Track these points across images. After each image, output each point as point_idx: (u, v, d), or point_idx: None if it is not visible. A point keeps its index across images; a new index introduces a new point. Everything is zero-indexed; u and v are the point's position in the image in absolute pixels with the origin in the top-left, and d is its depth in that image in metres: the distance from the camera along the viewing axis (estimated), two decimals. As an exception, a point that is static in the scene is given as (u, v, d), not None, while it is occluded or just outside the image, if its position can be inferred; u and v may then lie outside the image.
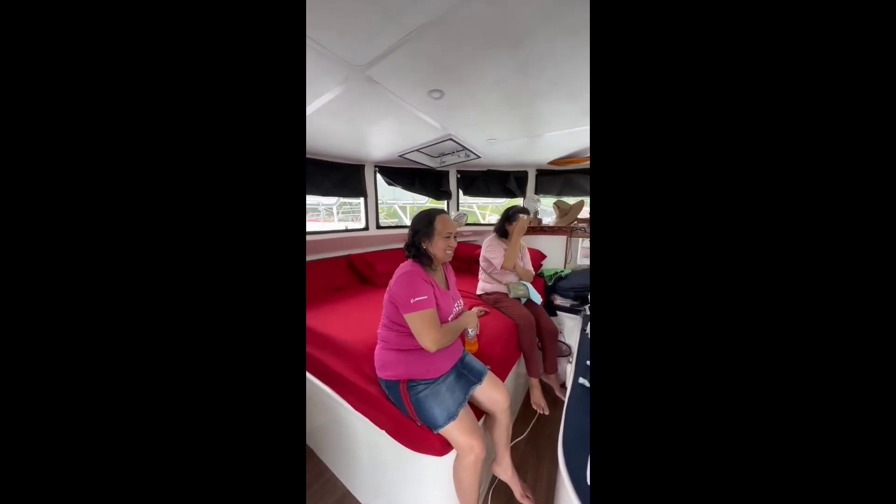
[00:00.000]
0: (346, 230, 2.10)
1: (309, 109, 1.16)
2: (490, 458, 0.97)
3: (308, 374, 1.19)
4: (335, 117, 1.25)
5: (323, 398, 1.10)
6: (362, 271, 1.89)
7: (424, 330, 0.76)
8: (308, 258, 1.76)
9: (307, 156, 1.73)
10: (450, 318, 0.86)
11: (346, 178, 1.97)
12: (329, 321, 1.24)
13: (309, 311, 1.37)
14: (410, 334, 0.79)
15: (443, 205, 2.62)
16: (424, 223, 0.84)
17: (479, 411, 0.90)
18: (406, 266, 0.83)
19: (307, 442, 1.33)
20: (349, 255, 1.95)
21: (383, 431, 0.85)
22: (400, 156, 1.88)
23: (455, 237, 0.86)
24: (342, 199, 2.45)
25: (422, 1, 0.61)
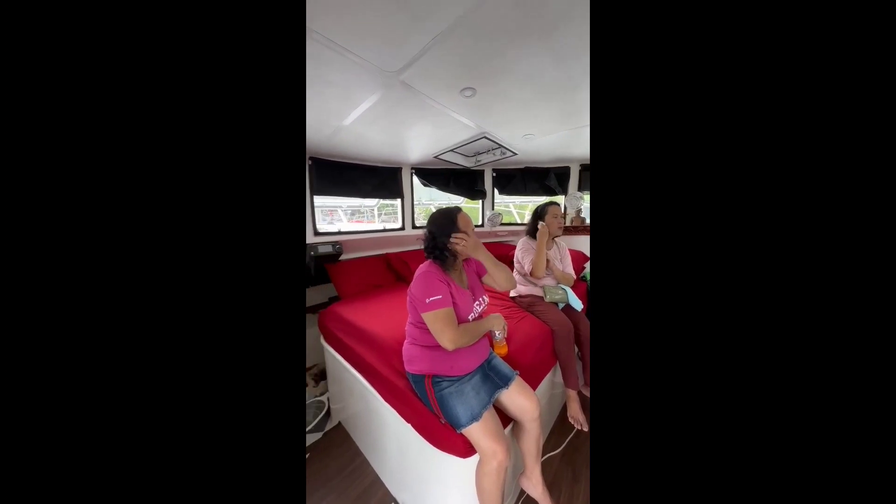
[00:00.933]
0: (385, 230, 2.21)
1: (349, 119, 1.25)
2: (518, 469, 0.93)
3: (347, 364, 1.28)
4: (373, 124, 1.32)
5: (358, 387, 1.17)
6: (398, 269, 1.97)
7: (441, 329, 0.76)
8: (350, 256, 1.90)
9: (350, 161, 1.86)
10: (470, 318, 0.85)
11: (384, 180, 2.08)
12: (365, 315, 1.32)
13: (348, 305, 1.48)
14: None
15: (478, 205, 2.59)
16: (446, 223, 0.83)
17: (506, 418, 0.86)
18: (423, 267, 0.84)
19: (344, 425, 1.44)
20: (387, 254, 2.05)
21: (410, 425, 0.87)
22: (435, 157, 1.91)
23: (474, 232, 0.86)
24: (382, 201, 2.60)
25: None
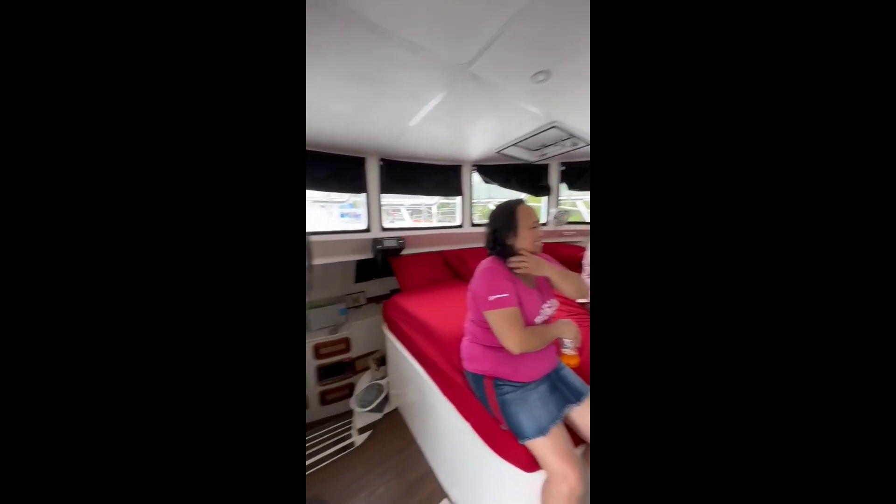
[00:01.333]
0: (443, 227, 2.25)
1: (417, 118, 1.30)
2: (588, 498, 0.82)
3: (406, 353, 1.34)
4: (439, 122, 1.34)
5: (416, 377, 1.21)
6: (455, 266, 1.99)
7: (505, 329, 0.70)
8: (410, 251, 1.99)
9: (414, 160, 1.95)
10: (537, 320, 0.77)
11: (446, 178, 2.11)
12: (424, 308, 1.36)
13: (408, 297, 1.55)
14: None
15: (541, 201, 2.42)
16: (505, 217, 0.78)
17: (578, 439, 0.77)
18: (486, 262, 0.79)
19: (401, 412, 1.51)
20: (444, 251, 2.09)
21: (468, 424, 0.85)
22: (497, 152, 1.86)
23: (539, 226, 0.79)
24: (442, 200, 2.67)
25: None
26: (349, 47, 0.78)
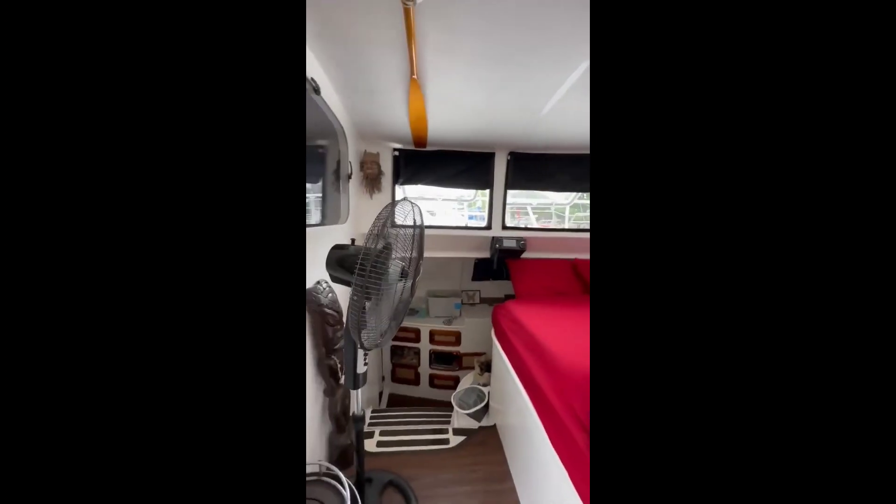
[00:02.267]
0: (577, 229, 1.87)
1: (554, 99, 1.08)
2: None
3: (512, 369, 1.17)
4: (583, 98, 1.06)
5: (518, 400, 1.02)
6: (587, 279, 1.59)
7: None
8: (532, 255, 1.77)
9: (547, 152, 1.70)
10: None
11: (587, 171, 1.72)
12: (540, 323, 1.13)
13: (522, 305, 1.36)
14: None
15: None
16: None
17: None
18: None
19: (499, 433, 1.36)
20: (574, 259, 1.72)
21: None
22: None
23: None
24: (577, 200, 2.25)
25: None
26: (491, 21, 0.72)
